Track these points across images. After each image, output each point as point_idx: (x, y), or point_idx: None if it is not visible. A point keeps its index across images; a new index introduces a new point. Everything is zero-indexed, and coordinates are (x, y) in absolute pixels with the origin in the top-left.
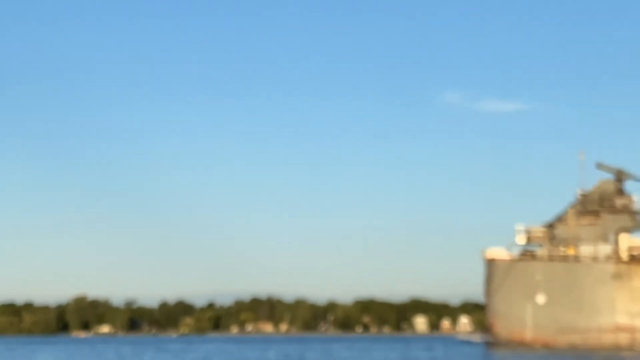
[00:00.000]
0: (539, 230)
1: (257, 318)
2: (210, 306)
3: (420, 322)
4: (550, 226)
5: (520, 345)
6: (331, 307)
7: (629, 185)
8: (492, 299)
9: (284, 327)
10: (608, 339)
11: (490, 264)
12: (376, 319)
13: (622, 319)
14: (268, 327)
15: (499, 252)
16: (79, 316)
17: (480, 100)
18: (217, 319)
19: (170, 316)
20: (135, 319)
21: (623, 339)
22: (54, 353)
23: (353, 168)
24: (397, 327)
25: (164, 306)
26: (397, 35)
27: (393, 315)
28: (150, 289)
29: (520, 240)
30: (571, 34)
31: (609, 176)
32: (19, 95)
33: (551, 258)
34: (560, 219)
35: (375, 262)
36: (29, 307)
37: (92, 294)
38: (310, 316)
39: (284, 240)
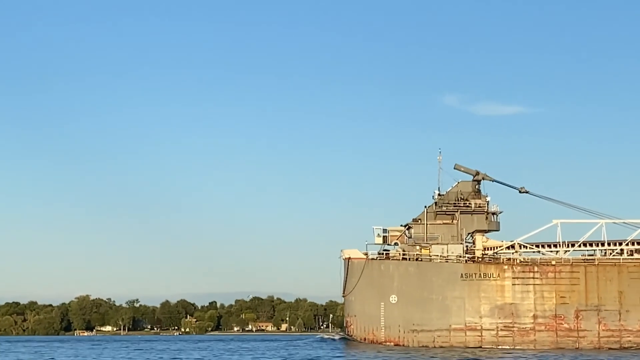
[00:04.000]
0: (395, 230)
1: (258, 318)
2: (212, 305)
3: None
4: (407, 227)
5: (373, 343)
6: (331, 306)
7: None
8: (348, 298)
9: (284, 326)
10: (458, 338)
11: (347, 263)
12: None
13: (472, 319)
14: (268, 327)
15: (355, 252)
16: (81, 316)
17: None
18: (218, 318)
19: (172, 316)
20: (138, 319)
21: (472, 338)
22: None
23: (354, 168)
24: None
25: (165, 306)
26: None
27: None
28: (152, 289)
29: (378, 240)
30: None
31: (468, 178)
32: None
33: (404, 258)
34: (416, 219)
35: None
36: (32, 306)
37: (95, 294)
38: (311, 316)
39: (285, 240)
